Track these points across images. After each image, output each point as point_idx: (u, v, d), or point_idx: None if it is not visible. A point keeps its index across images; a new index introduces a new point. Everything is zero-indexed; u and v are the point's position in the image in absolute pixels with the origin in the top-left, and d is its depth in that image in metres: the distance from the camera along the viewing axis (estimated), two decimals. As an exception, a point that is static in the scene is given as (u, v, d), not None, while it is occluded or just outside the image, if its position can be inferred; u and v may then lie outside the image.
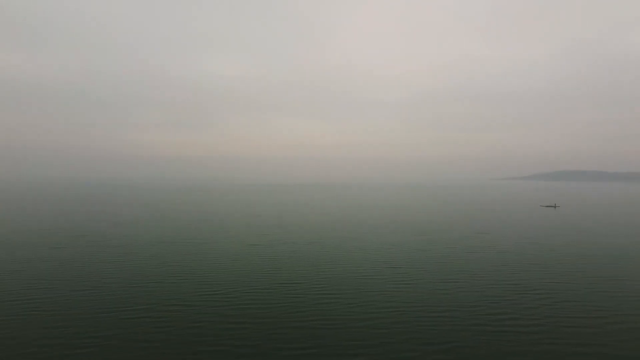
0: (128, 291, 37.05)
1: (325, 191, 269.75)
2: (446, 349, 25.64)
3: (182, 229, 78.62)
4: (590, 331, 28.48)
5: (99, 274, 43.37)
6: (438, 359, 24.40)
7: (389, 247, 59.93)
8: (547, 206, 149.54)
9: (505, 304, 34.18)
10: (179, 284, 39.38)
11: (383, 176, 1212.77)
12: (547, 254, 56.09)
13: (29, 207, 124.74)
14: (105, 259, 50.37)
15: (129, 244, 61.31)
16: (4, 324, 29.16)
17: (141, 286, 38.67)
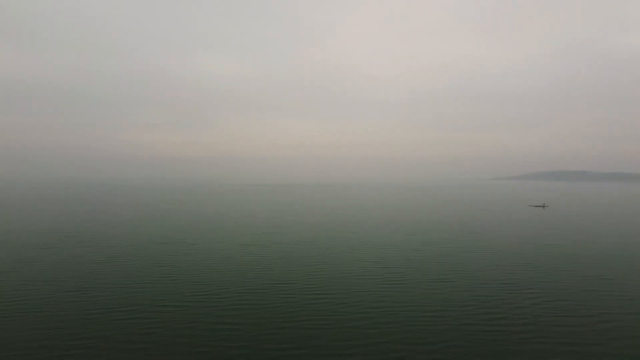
0: (119, 292, 36.77)
1: (323, 191, 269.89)
2: (437, 348, 25.73)
3: (175, 229, 78.22)
4: (580, 330, 28.75)
5: (91, 274, 43.00)
6: (429, 359, 24.49)
7: (382, 247, 60.06)
8: (535, 206, 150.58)
9: (495, 303, 34.39)
10: (170, 285, 39.17)
11: (382, 176, 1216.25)
12: (537, 253, 56.55)
13: (24, 207, 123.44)
14: (97, 260, 49.96)
15: (121, 244, 60.88)
16: (-9, 325, 28.80)
17: (133, 287, 38.39)
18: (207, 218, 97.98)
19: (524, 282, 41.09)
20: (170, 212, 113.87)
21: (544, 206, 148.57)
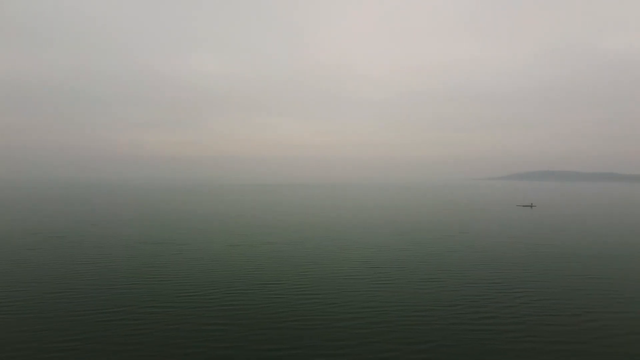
0: (106, 293, 36.29)
1: (317, 191, 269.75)
2: (427, 348, 25.77)
3: (165, 229, 77.60)
4: (568, 329, 29.00)
5: (77, 275, 42.42)
6: (418, 358, 24.52)
7: (372, 247, 60.14)
8: (523, 206, 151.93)
9: (484, 302, 34.57)
10: (157, 285, 38.76)
11: (378, 176, 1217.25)
12: (524, 253, 57.01)
13: (14, 208, 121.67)
14: (84, 261, 49.32)
15: (107, 245, 60.18)
16: (-27, 328, 28.23)
17: (120, 288, 37.92)
18: (198, 218, 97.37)
19: (511, 282, 41.38)
20: (162, 212, 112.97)
21: (531, 206, 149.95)
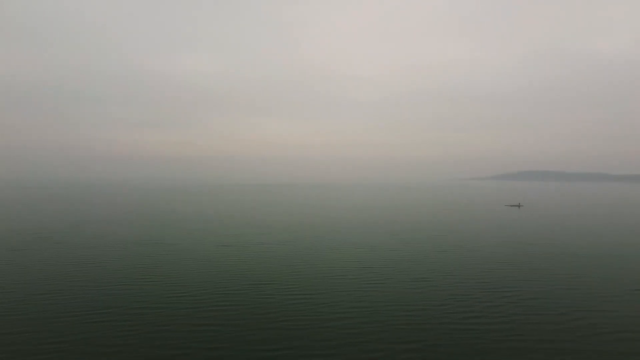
0: (95, 294, 35.97)
1: (306, 191, 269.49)
2: (416, 347, 25.95)
3: (151, 229, 77.05)
4: (554, 327, 29.37)
5: (65, 276, 41.97)
6: (408, 358, 24.69)
7: (362, 247, 60.31)
8: (511, 205, 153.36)
9: (472, 302, 34.87)
10: (146, 286, 38.50)
11: (373, 176, 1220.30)
12: (511, 252, 57.58)
13: (4, 208, 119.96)
14: (72, 261, 48.80)
15: (96, 245, 59.60)
16: (-41, 330, 27.82)
17: (109, 289, 37.59)
18: (190, 218, 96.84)
19: (499, 281, 41.77)
20: (141, 212, 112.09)
21: (519, 206, 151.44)
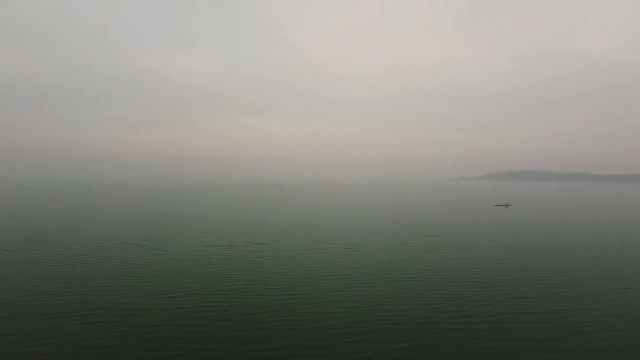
0: (82, 295, 35.51)
1: (301, 192, 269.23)
2: (405, 347, 25.99)
3: (143, 230, 76.33)
4: (542, 326, 29.62)
5: (52, 277, 41.38)
6: (398, 357, 24.70)
7: (351, 247, 60.34)
8: (499, 205, 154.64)
9: (461, 301, 35.03)
10: (133, 287, 38.09)
11: (368, 176, 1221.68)
12: (499, 252, 58.02)
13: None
14: (59, 262, 48.13)
15: (86, 245, 58.86)
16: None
17: (95, 289, 37.13)
18: (182, 218, 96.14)
19: (487, 280, 42.04)
20: (147, 212, 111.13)
21: (506, 205, 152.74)
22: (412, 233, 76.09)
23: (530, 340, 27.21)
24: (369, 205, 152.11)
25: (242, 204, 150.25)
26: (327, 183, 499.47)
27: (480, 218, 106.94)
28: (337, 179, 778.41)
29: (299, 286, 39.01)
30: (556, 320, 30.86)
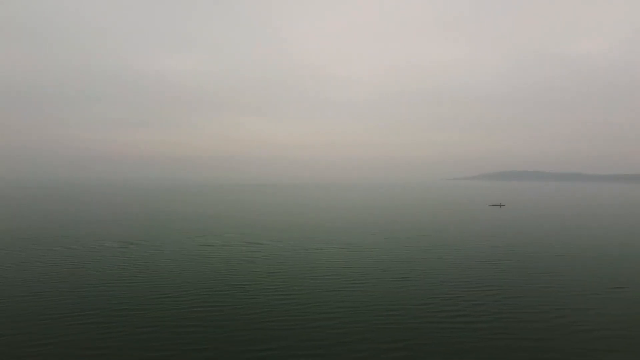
0: (76, 296, 35.41)
1: (299, 192, 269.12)
2: (401, 347, 26.11)
3: (137, 230, 76.16)
4: (536, 325, 29.80)
5: (45, 277, 41.24)
6: (392, 357, 24.83)
7: (347, 247, 60.43)
8: (493, 205, 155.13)
9: (456, 301, 35.19)
10: (127, 288, 38.03)
11: (366, 176, 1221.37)
12: (494, 251, 58.26)
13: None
14: (56, 262, 47.98)
15: (81, 246, 58.71)
16: (-64, 333, 27.17)
17: (89, 290, 37.06)
18: (175, 218, 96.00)
19: (482, 280, 42.23)
20: (122, 213, 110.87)
21: (500, 205, 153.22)
22: (408, 233, 76.26)
23: (526, 339, 27.37)
24: (367, 205, 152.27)
25: (242, 204, 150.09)
26: (326, 183, 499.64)
27: (474, 218, 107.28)
28: (337, 179, 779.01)
29: (295, 286, 39.05)
30: (551, 319, 31.06)
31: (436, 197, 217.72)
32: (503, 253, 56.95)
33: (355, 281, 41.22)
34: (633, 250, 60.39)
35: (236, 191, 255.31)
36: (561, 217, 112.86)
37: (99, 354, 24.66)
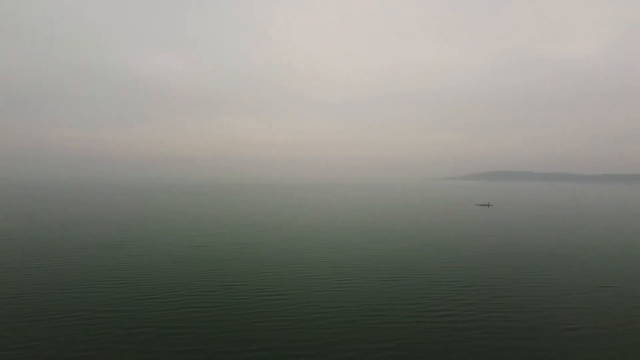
0: (60, 296, 34.96)
1: (295, 191, 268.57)
2: (390, 346, 26.15)
3: (117, 231, 75.42)
4: (525, 325, 30.04)
5: (29, 279, 40.64)
6: (382, 356, 24.85)
7: (337, 247, 60.43)
8: (481, 205, 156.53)
9: (444, 300, 35.36)
10: (115, 288, 37.64)
11: (365, 176, 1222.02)
12: (481, 251, 58.65)
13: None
14: (34, 264, 47.32)
15: (60, 247, 57.95)
16: None
17: (74, 291, 36.60)
18: (174, 218, 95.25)
19: (469, 280, 42.48)
20: (107, 214, 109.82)
21: (488, 205, 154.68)
22: (397, 233, 76.50)
23: (513, 338, 27.57)
24: (362, 205, 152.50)
25: (240, 204, 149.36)
26: (327, 183, 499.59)
27: (461, 218, 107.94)
28: (337, 179, 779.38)
29: (284, 287, 38.94)
30: (539, 318, 31.33)
31: (424, 197, 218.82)
32: (490, 253, 57.35)
33: (345, 281, 41.22)
34: (620, 250, 61.18)
35: (236, 191, 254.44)
36: (548, 217, 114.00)
37: (85, 355, 24.31)
